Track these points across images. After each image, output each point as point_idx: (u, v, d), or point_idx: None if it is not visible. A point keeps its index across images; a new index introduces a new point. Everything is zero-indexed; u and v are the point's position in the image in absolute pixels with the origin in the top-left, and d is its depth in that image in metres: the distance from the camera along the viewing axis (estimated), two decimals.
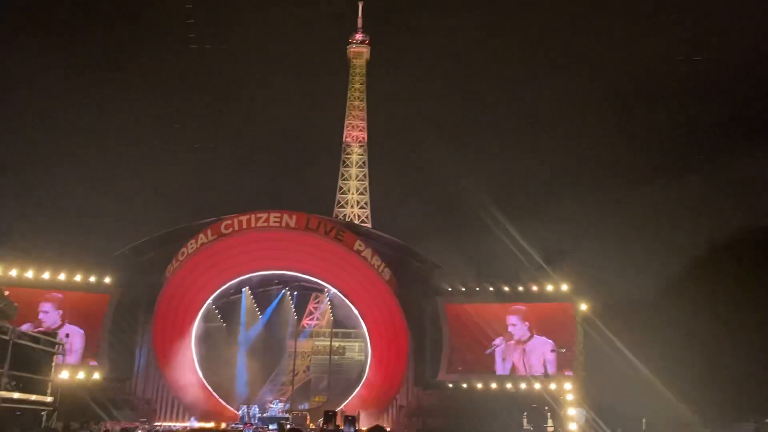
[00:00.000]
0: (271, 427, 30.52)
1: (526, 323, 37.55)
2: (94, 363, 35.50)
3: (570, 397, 32.74)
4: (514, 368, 37.21)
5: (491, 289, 38.39)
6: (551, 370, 35.51)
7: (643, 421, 28.42)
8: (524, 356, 37.07)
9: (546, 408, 33.29)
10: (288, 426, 29.20)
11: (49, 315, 35.20)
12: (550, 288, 37.51)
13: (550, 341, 36.78)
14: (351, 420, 23.28)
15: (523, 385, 35.61)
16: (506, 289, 38.15)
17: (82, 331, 35.93)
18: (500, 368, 37.33)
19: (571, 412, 31.66)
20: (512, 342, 37.45)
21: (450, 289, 39.09)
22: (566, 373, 35.81)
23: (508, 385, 36.17)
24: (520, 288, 38.08)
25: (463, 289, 38.96)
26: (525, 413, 33.88)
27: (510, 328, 37.64)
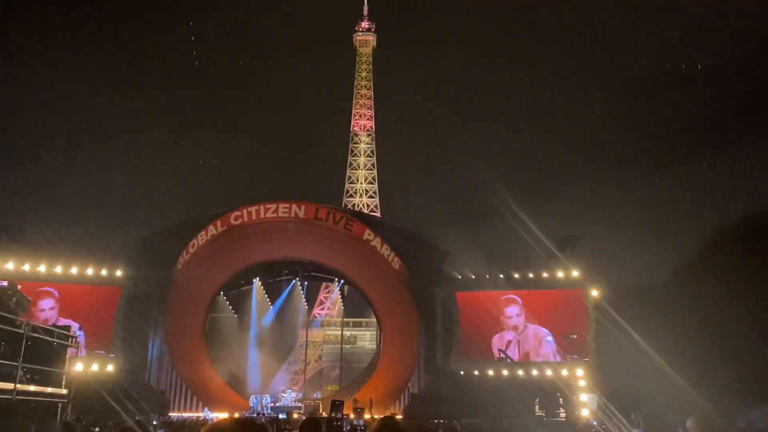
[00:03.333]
0: (281, 416, 30.73)
1: (522, 313, 37.34)
2: (101, 352, 34.66)
3: (582, 383, 32.68)
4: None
5: (502, 276, 38.24)
6: (553, 359, 35.42)
7: (656, 405, 28.32)
8: (518, 346, 37.01)
9: (558, 394, 33.27)
10: (296, 415, 29.40)
11: (45, 312, 34.65)
12: (561, 274, 37.35)
13: (545, 329, 36.70)
14: (359, 411, 23.37)
15: (534, 372, 35.58)
16: (517, 276, 38.01)
17: (77, 324, 35.53)
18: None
19: (584, 397, 31.62)
20: (509, 332, 37.31)
21: (460, 277, 39.01)
22: (574, 356, 35.79)
23: (520, 372, 36.15)
24: (531, 275, 37.91)
25: (474, 276, 38.86)
26: (537, 399, 33.88)
27: (508, 321, 37.40)
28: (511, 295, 37.43)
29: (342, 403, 27.83)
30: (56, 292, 35.29)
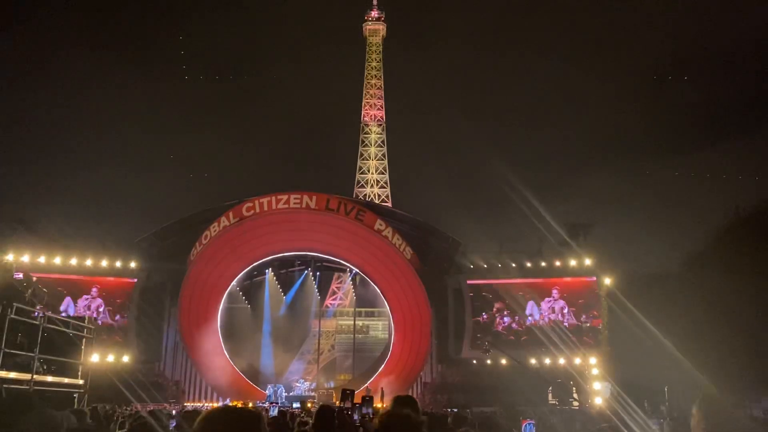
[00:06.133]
0: (294, 405, 30.96)
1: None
2: None
3: (595, 371, 32.62)
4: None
5: (513, 265, 38.14)
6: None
7: (666, 389, 28.24)
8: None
9: (571, 383, 33.23)
10: (310, 404, 29.63)
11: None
12: (573, 263, 37.19)
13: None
14: (369, 400, 23.40)
15: (547, 361, 35.54)
16: (529, 264, 37.90)
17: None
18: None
19: (597, 386, 31.57)
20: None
21: (472, 266, 38.96)
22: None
23: (533, 361, 36.13)
24: (543, 263, 37.79)
25: (485, 265, 38.79)
26: (550, 388, 33.85)
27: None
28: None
29: (353, 392, 27.95)
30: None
